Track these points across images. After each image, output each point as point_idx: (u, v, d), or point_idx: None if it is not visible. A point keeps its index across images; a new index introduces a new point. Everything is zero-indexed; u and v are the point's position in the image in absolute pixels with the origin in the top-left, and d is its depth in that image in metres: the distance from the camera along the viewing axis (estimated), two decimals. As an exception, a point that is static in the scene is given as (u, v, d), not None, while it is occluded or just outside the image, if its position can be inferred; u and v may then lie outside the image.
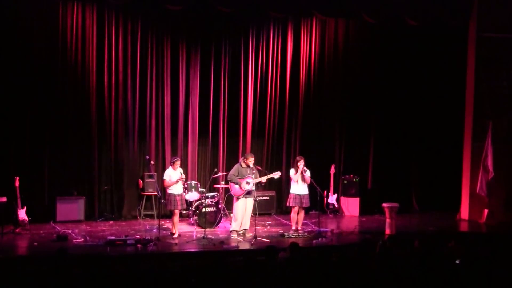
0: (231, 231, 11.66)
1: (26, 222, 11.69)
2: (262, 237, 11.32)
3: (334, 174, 14.39)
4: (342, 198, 14.62)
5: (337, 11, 13.58)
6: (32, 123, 12.68)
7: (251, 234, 11.43)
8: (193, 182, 12.92)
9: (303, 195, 11.85)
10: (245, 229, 11.67)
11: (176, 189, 11.41)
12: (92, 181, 13.17)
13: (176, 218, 11.47)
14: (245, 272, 7.00)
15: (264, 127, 14.37)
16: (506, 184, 13.77)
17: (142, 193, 13.38)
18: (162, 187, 11.82)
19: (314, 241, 11.24)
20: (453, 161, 14.64)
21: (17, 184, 11.62)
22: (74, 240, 10.92)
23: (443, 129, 15.11)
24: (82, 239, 11.01)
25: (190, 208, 12.60)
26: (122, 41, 13.26)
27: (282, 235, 11.67)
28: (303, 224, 12.18)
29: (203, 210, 12.06)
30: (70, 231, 11.51)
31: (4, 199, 11.61)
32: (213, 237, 11.32)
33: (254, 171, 11.60)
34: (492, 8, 13.68)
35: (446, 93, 14.99)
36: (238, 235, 11.54)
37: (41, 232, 11.70)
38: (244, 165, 11.64)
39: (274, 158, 14.48)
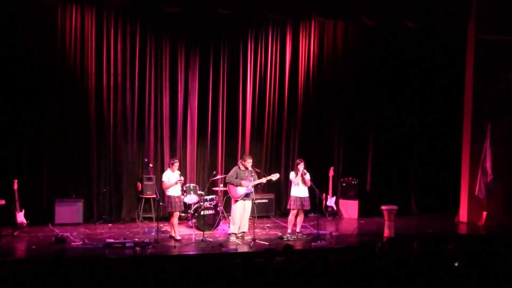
0: (229, 234, 11.65)
1: (25, 225, 11.67)
2: (260, 240, 11.32)
3: (333, 176, 14.39)
4: (341, 201, 14.61)
5: (336, 13, 13.57)
6: (31, 125, 12.68)
7: (249, 237, 11.42)
8: (192, 184, 12.91)
9: (304, 198, 11.83)
10: (243, 232, 11.66)
11: (175, 191, 11.40)
12: (91, 183, 13.16)
13: (175, 220, 11.45)
14: (244, 274, 6.99)
15: (263, 129, 14.38)
16: (505, 186, 13.78)
17: (140, 195, 13.37)
18: (161, 189, 11.80)
19: (313, 243, 11.23)
20: (452, 163, 14.66)
21: (15, 186, 11.59)
22: (73, 243, 10.90)
23: (442, 131, 15.13)
24: (81, 242, 10.99)
25: (189, 210, 12.59)
26: (121, 43, 13.26)
27: (281, 237, 11.65)
28: (302, 226, 12.16)
29: (202, 212, 12.06)
30: (68, 234, 11.48)
31: (3, 201, 11.59)
32: (211, 239, 11.31)
33: (252, 174, 11.61)
34: (490, 10, 13.70)
35: (445, 95, 15.01)
36: (237, 237, 11.53)
37: (40, 234, 11.68)
38: (242, 167, 11.63)
39: (273, 160, 14.49)
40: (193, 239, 11.36)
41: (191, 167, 13.83)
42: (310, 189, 11.88)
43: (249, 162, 11.61)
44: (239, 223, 11.57)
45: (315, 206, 12.14)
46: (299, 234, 11.83)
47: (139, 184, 13.41)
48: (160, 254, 10.34)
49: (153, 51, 13.50)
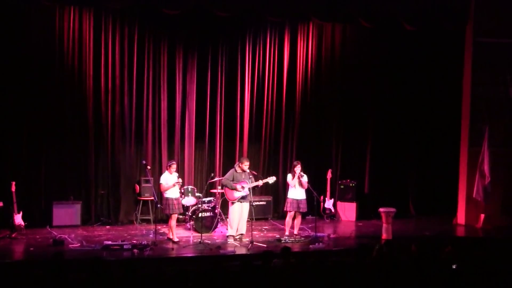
0: (227, 236, 11.65)
1: (23, 227, 11.67)
2: (258, 242, 11.32)
3: (331, 178, 14.38)
4: (339, 203, 14.61)
5: (334, 16, 13.54)
6: (29, 127, 12.68)
7: (247, 239, 11.42)
8: (190, 187, 12.92)
9: (301, 200, 11.83)
10: (241, 234, 11.66)
11: (173, 193, 11.40)
12: (89, 185, 13.16)
13: (173, 222, 11.44)
14: (242, 277, 6.99)
15: (261, 132, 14.38)
16: (503, 189, 13.77)
17: (138, 197, 13.36)
18: (159, 191, 11.80)
19: (311, 245, 11.21)
20: (450, 165, 14.65)
21: (13, 189, 11.60)
22: (71, 245, 10.90)
23: (440, 133, 15.14)
24: (79, 244, 10.98)
25: (187, 213, 12.59)
26: (119, 45, 13.26)
27: (279, 240, 11.65)
28: (300, 229, 12.15)
29: (200, 215, 12.06)
30: (66, 236, 11.47)
31: (1, 203, 11.63)
32: (209, 242, 11.31)
33: (250, 176, 11.61)
34: (488, 13, 13.71)
35: (442, 97, 15.01)
36: (235, 240, 11.52)
37: (38, 237, 11.68)
38: (239, 170, 11.63)
39: (270, 163, 14.49)
40: (191, 241, 11.34)
41: (189, 169, 13.83)
42: (308, 191, 11.89)
43: (246, 165, 11.61)
44: (237, 226, 11.58)
45: (313, 209, 12.13)
46: (297, 237, 11.82)
47: (137, 186, 13.41)
48: (158, 256, 10.33)
49: (151, 54, 13.51)
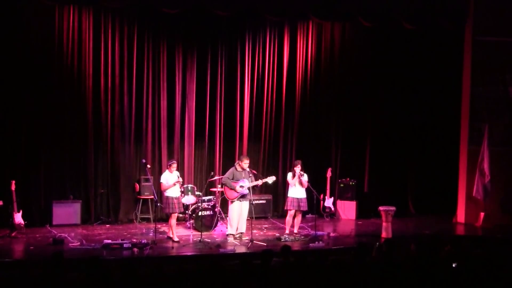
0: (227, 235, 11.65)
1: (22, 225, 11.66)
2: (258, 241, 11.32)
3: (331, 177, 14.39)
4: (339, 202, 14.62)
5: (334, 15, 13.54)
6: (28, 126, 12.67)
7: (247, 238, 11.43)
8: (190, 185, 12.92)
9: (301, 199, 11.83)
10: (241, 233, 11.67)
11: (173, 192, 11.39)
12: (89, 184, 13.16)
13: (173, 221, 11.43)
14: (242, 275, 6.99)
15: (260, 131, 14.39)
16: (502, 188, 13.78)
17: (138, 196, 13.37)
18: (159, 190, 11.79)
19: (310, 244, 11.22)
20: (450, 164, 14.65)
21: (13, 187, 11.59)
22: (70, 244, 10.90)
23: (439, 132, 15.14)
24: (78, 243, 10.98)
25: (187, 211, 12.59)
26: (119, 45, 13.26)
27: (279, 238, 11.66)
28: (299, 227, 12.16)
29: (200, 213, 12.06)
30: (66, 235, 11.47)
31: (0, 202, 11.62)
32: (209, 240, 11.32)
33: (250, 175, 11.61)
34: (488, 12, 13.70)
35: (442, 96, 15.02)
36: (235, 238, 11.53)
37: (37, 235, 11.67)
38: (239, 168, 11.64)
39: (270, 162, 14.50)
40: (191, 240, 11.35)
41: (189, 168, 13.83)
42: (308, 190, 11.89)
43: (246, 163, 11.62)
44: (237, 224, 11.58)
45: (312, 207, 12.13)
46: (297, 235, 11.82)
47: (137, 185, 13.41)
48: (157, 255, 10.33)
49: (151, 53, 13.51)
